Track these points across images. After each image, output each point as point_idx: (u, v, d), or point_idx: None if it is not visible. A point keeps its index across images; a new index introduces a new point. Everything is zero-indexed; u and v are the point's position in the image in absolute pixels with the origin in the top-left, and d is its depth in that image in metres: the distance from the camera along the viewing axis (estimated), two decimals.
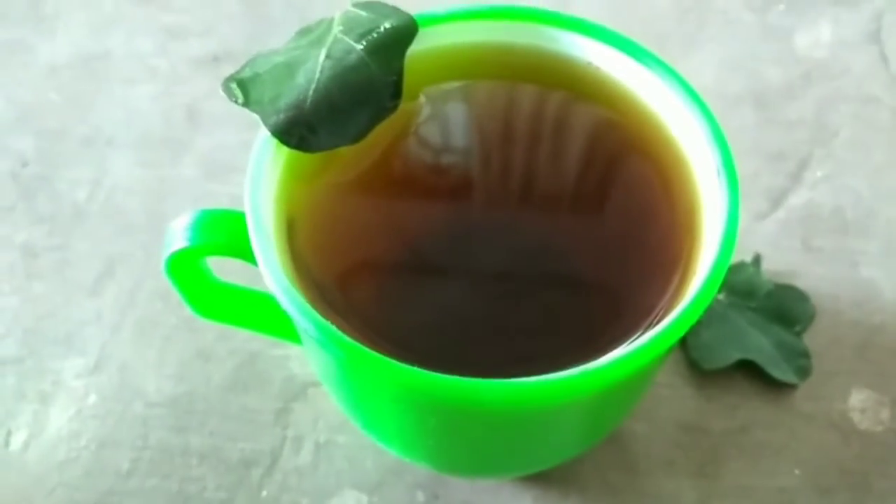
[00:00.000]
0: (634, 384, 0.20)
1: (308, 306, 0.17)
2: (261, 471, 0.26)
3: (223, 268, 0.24)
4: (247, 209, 0.19)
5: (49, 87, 0.35)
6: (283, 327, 0.24)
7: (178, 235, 0.20)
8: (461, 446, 0.21)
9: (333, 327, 0.17)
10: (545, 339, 0.20)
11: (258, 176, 0.19)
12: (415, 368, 0.17)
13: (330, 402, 0.27)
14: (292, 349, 0.28)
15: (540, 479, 0.26)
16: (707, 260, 0.19)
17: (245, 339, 0.28)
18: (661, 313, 0.19)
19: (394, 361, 0.17)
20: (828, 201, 0.31)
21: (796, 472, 0.26)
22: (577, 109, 0.23)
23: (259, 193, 0.19)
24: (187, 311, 0.24)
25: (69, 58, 0.36)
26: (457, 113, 0.23)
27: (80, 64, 0.36)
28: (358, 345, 0.17)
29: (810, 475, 0.26)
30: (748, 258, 0.30)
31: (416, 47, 0.21)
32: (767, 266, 0.30)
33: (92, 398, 0.28)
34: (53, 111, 0.35)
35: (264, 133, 0.20)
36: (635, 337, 0.19)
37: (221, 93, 0.21)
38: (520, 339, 0.20)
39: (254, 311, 0.24)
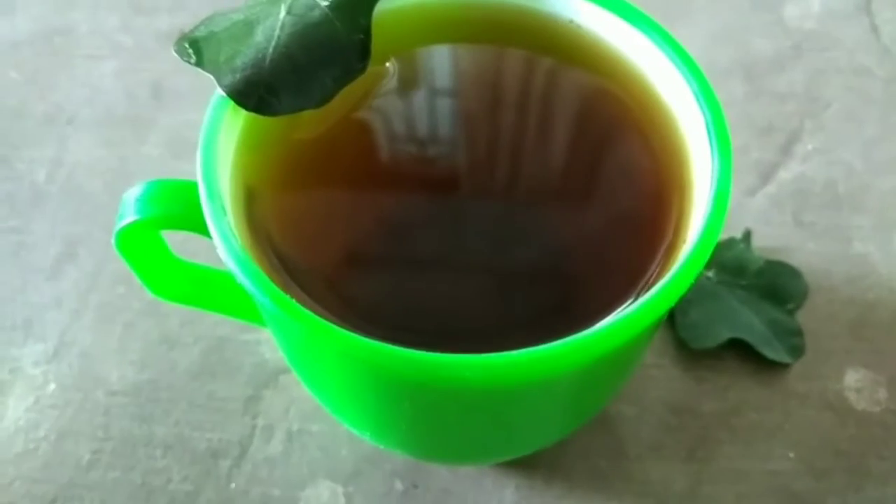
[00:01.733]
0: (622, 358, 0.19)
1: (264, 277, 0.16)
2: (229, 462, 0.25)
3: (188, 247, 0.22)
4: (199, 177, 0.17)
5: (8, 63, 0.34)
6: (246, 307, 0.22)
7: (129, 208, 0.19)
8: (438, 430, 0.20)
9: (291, 299, 0.16)
10: (527, 312, 0.19)
11: (212, 142, 0.18)
12: (382, 344, 0.15)
13: (302, 389, 0.26)
14: (262, 333, 0.27)
15: (523, 465, 0.25)
16: (697, 226, 0.17)
17: (213, 323, 0.27)
18: (649, 283, 0.18)
19: (358, 336, 0.15)
20: (819, 175, 0.30)
21: (790, 454, 0.25)
22: (558, 72, 0.22)
23: (213, 160, 0.18)
24: (151, 295, 0.23)
25: (30, 34, 0.35)
26: (430, 76, 0.22)
27: (42, 40, 0.35)
28: (317, 317, 0.15)
29: (805, 458, 0.25)
30: (738, 234, 0.28)
31: (386, 5, 0.20)
32: (758, 242, 0.28)
33: (51, 386, 0.26)
34: (13, 89, 0.33)
35: (219, 95, 0.18)
36: (622, 308, 0.17)
37: (184, 64, 0.19)
38: (500, 312, 0.19)
39: (215, 290, 0.22)
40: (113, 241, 0.20)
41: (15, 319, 0.27)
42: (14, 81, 0.33)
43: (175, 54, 0.19)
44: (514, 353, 0.15)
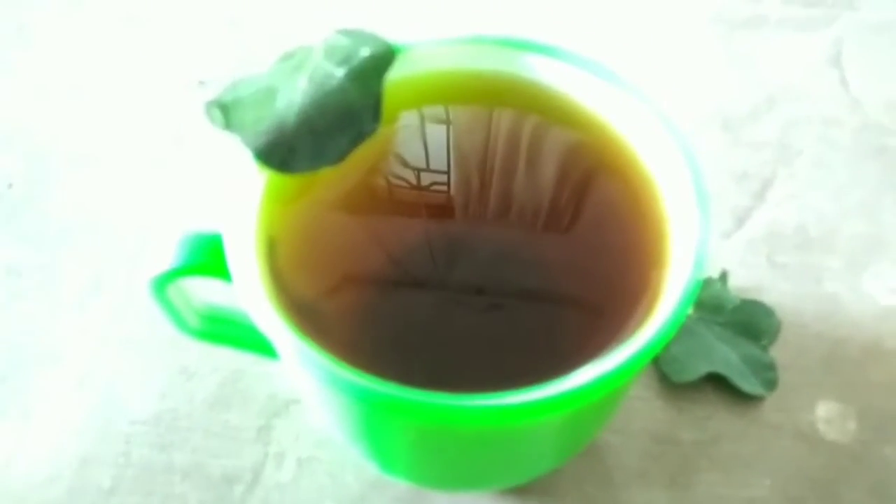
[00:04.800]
0: (609, 402, 0.21)
1: (283, 324, 0.18)
2: (242, 487, 0.26)
3: (213, 286, 0.24)
4: (225, 231, 0.19)
5: (38, 106, 0.36)
6: (262, 345, 0.24)
7: (162, 257, 0.21)
8: (439, 462, 0.22)
9: (308, 345, 0.17)
10: (523, 356, 0.20)
11: (238, 198, 0.20)
12: (389, 392, 0.17)
13: (311, 419, 0.27)
14: (275, 366, 0.28)
15: (519, 492, 0.26)
16: (677, 279, 0.19)
17: (228, 356, 0.28)
18: (633, 329, 0.20)
19: (367, 383, 0.17)
20: (791, 219, 0.33)
21: (766, 482, 0.27)
22: (550, 134, 0.24)
23: (239, 215, 0.20)
24: (171, 328, 0.25)
25: (56, 78, 0.37)
26: (433, 136, 0.24)
27: (67, 84, 0.37)
28: (333, 362, 0.17)
29: (780, 485, 0.27)
30: (715, 274, 0.30)
31: (396, 73, 0.22)
32: (734, 282, 0.30)
33: (75, 415, 0.28)
34: (40, 132, 0.35)
35: (245, 155, 0.21)
36: (609, 353, 0.19)
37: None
38: (498, 357, 0.21)
39: (239, 331, 0.24)
40: (147, 287, 0.22)
41: (42, 350, 0.29)
42: (43, 124, 0.35)
43: (204, 115, 0.21)
44: (513, 401, 0.17)
